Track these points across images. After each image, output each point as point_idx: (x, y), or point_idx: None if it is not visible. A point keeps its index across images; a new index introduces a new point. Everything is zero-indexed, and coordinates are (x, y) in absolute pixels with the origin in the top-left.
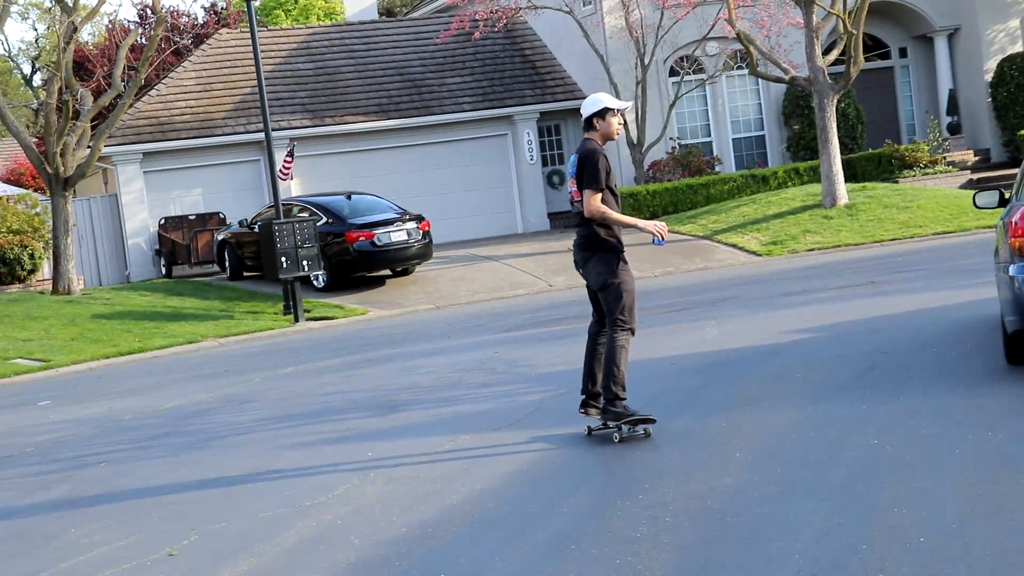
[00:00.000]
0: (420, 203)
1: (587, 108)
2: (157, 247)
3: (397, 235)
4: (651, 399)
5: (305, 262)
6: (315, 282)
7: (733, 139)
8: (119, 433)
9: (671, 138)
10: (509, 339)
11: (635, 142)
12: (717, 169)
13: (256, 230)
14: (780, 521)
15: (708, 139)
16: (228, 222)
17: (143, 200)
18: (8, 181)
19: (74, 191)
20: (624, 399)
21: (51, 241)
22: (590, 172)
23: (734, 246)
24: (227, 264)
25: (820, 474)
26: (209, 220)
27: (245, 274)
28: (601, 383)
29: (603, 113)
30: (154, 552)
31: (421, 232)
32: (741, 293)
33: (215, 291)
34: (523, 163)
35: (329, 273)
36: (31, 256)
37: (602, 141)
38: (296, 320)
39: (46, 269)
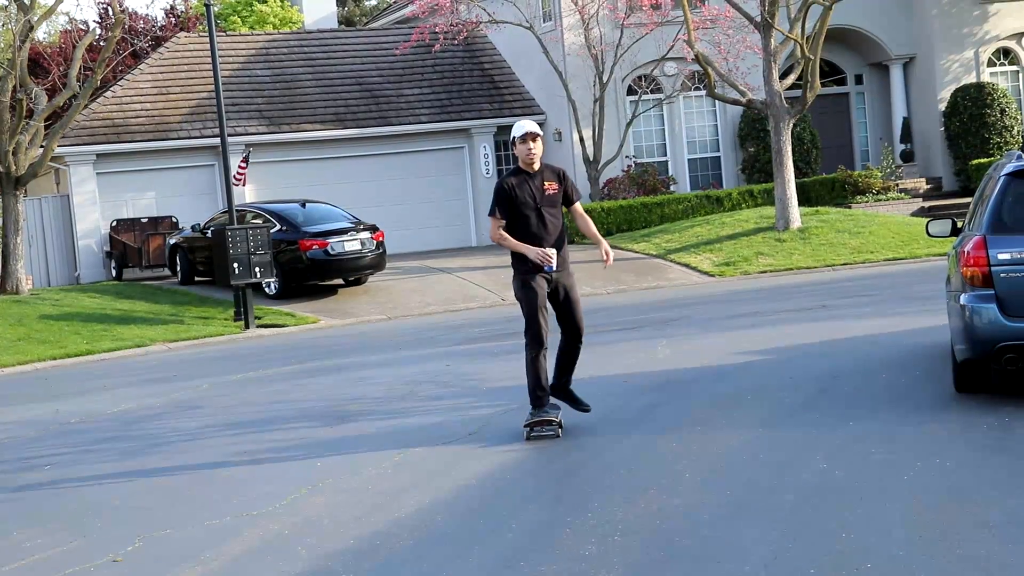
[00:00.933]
0: (375, 213)
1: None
2: (108, 249)
3: (351, 244)
4: (602, 417)
5: (257, 269)
6: (267, 289)
7: (689, 159)
8: (65, 436)
9: (627, 156)
10: (461, 352)
11: (591, 159)
12: (672, 189)
13: (209, 235)
14: (729, 543)
15: (664, 159)
16: (181, 226)
17: (95, 201)
18: None
19: (25, 190)
20: (535, 406)
21: (0, 240)
22: (491, 201)
23: (687, 266)
24: (179, 268)
25: (769, 497)
26: (161, 224)
27: (196, 279)
28: None
29: (513, 142)
30: (98, 558)
31: (375, 242)
32: (693, 313)
33: (166, 295)
34: (479, 177)
35: (281, 280)
36: None
37: (524, 165)
38: (247, 327)
39: None
